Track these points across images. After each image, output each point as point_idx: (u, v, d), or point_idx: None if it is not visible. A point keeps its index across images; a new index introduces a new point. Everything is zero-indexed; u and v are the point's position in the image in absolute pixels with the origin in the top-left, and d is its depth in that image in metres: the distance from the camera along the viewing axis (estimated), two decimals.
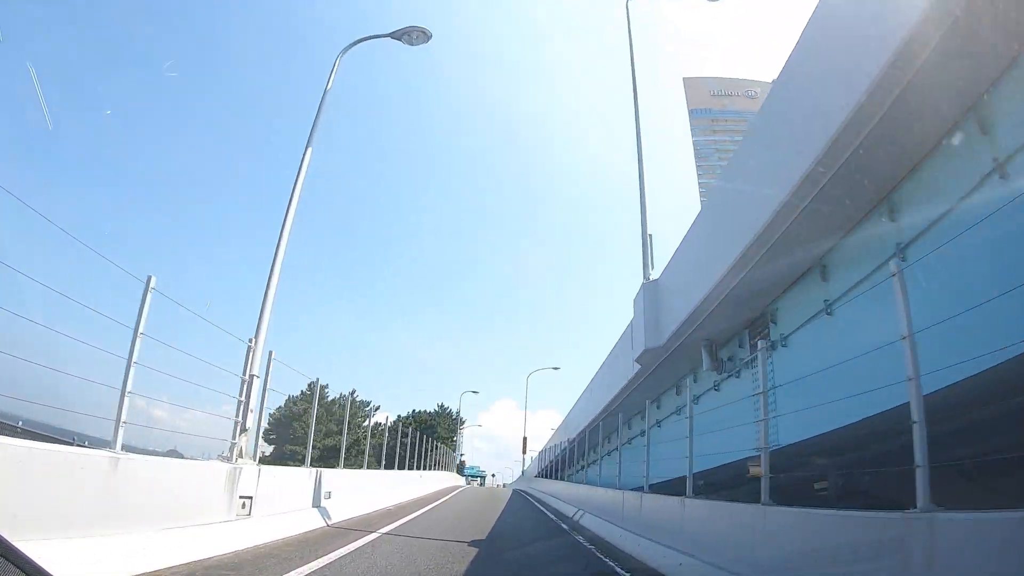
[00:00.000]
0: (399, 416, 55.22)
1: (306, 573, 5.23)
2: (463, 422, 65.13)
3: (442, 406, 65.71)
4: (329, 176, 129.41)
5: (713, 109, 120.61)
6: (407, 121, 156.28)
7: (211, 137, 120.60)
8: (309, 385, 38.29)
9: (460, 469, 63.32)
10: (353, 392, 41.68)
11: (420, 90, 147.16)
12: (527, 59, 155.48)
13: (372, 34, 11.65)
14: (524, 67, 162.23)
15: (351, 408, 38.39)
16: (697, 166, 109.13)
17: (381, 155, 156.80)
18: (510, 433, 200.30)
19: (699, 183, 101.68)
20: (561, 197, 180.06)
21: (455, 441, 59.48)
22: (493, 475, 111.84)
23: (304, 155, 10.22)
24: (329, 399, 41.60)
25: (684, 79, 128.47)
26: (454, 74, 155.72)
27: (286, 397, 36.87)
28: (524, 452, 50.76)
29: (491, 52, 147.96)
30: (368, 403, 46.44)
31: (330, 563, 5.82)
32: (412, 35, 11.38)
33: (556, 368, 60.10)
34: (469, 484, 68.28)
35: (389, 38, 11.49)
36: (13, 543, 1.07)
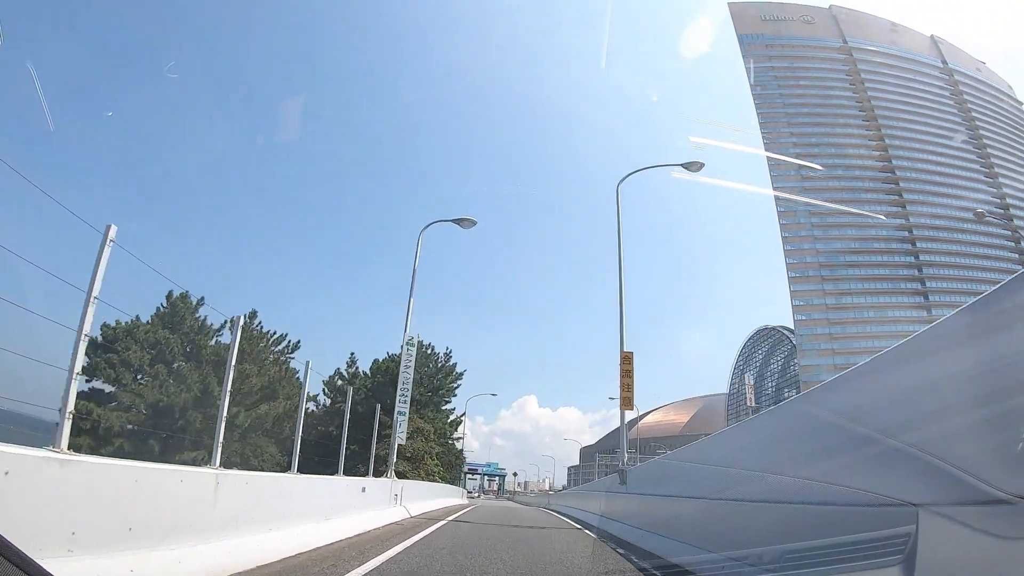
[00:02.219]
0: (337, 370, 31.12)
1: None
2: (440, 355, 34.27)
3: (421, 345, 31.83)
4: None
5: (766, 34, 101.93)
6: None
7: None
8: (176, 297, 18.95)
9: (454, 470, 37.09)
10: (252, 315, 23.48)
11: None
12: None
13: None
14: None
15: (242, 341, 18.49)
16: (754, 96, 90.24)
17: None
18: (531, 431, 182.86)
19: (756, 110, 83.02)
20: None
21: (445, 401, 34.14)
22: (515, 474, 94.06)
23: None
24: (184, 316, 21.59)
25: (729, 4, 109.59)
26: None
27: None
28: (628, 405, 13.22)
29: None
30: (282, 337, 26.55)
31: None
32: None
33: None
34: (478, 497, 42.53)
35: None
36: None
